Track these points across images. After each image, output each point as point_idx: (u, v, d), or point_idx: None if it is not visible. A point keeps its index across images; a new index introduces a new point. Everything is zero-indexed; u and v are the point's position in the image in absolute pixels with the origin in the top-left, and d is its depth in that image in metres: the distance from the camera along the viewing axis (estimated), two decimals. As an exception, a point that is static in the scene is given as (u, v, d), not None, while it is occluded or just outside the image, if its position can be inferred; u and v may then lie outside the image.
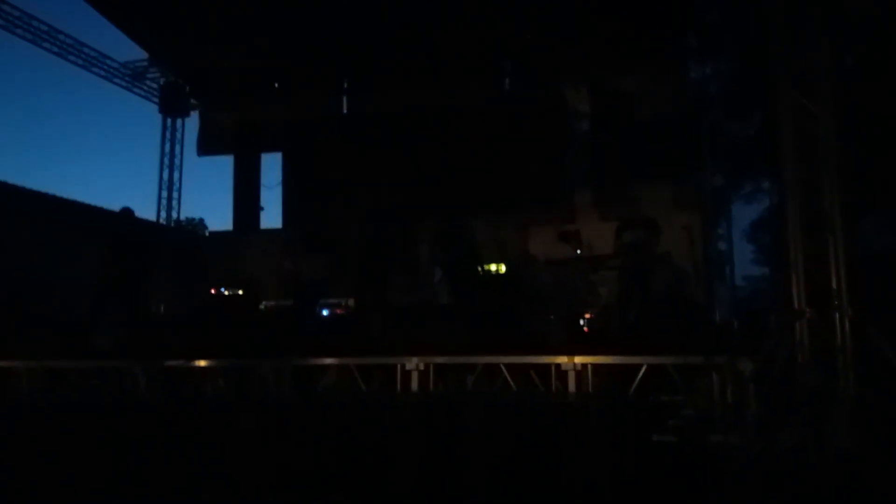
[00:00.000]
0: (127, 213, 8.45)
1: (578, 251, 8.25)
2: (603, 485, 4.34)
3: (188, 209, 29.64)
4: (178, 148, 14.32)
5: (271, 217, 13.79)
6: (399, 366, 5.81)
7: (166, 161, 14.24)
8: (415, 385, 5.72)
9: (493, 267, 7.72)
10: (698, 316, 8.21)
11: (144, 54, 13.43)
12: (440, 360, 5.82)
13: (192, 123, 14.02)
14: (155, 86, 14.08)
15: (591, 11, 10.03)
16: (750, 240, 16.00)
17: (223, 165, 13.44)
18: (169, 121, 14.29)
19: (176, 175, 14.29)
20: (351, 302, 8.41)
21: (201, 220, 21.58)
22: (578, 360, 5.42)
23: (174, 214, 14.22)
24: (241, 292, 8.72)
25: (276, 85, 12.78)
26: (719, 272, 10.42)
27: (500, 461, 4.55)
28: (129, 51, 13.76)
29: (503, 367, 5.67)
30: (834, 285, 4.64)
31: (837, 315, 4.60)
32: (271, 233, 12.65)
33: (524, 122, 11.28)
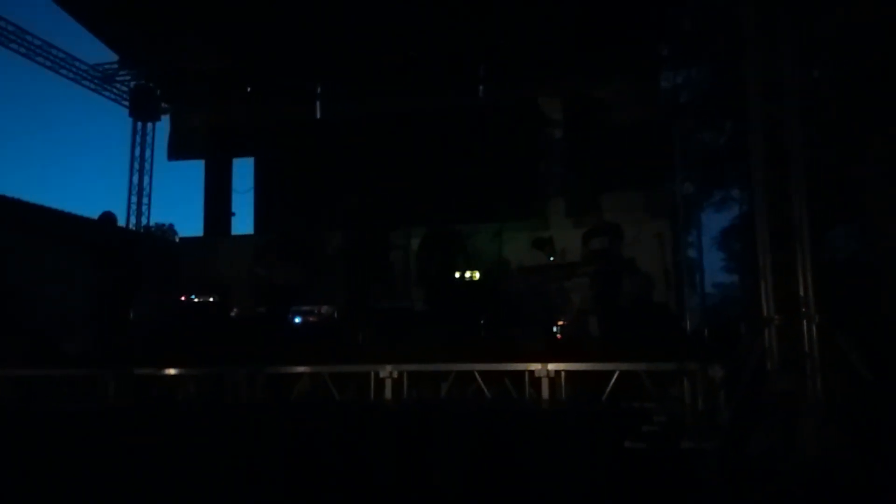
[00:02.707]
0: (109, 217, 8.30)
1: (551, 258, 8.31)
2: (575, 492, 4.36)
3: (158, 214, 29.35)
4: (148, 152, 14.15)
5: (243, 223, 13.69)
6: (373, 374, 5.80)
7: (136, 165, 14.07)
8: (388, 393, 5.71)
9: (466, 273, 7.74)
10: (668, 322, 8.30)
11: (115, 57, 13.26)
12: (413, 367, 5.82)
13: (164, 127, 13.88)
14: (125, 88, 13.90)
15: (565, 20, 10.11)
16: (720, 247, 16.24)
17: (194, 170, 13.31)
18: (139, 124, 14.13)
19: (146, 180, 14.12)
20: (324, 309, 8.36)
21: (171, 225, 21.34)
22: (552, 366, 5.45)
23: (144, 220, 14.04)
24: (211, 299, 8.62)
25: (249, 89, 12.70)
26: (690, 279, 10.54)
27: (472, 469, 4.55)
28: (99, 53, 13.61)
29: (477, 374, 5.68)
30: (802, 292, 4.71)
31: (805, 321, 4.67)
32: (243, 238, 12.54)
33: (497, 129, 11.33)
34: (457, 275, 7.75)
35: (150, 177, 14.14)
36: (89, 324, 7.75)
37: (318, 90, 12.96)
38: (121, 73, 13.58)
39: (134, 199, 13.97)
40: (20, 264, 9.34)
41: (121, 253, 7.91)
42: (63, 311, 8.53)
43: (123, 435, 5.35)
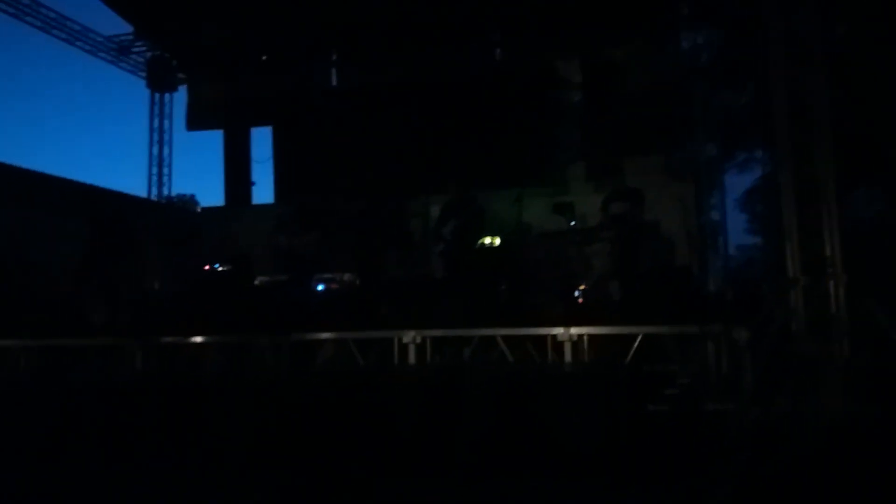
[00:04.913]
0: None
1: (572, 223, 8.26)
2: (598, 453, 4.39)
3: (179, 185, 29.50)
4: (167, 123, 14.18)
5: (263, 192, 13.74)
6: (396, 339, 5.84)
7: (156, 137, 14.11)
8: (412, 358, 5.75)
9: (487, 240, 7.72)
10: (691, 285, 8.26)
11: (130, 28, 13.22)
12: (437, 332, 5.85)
13: (182, 98, 13.88)
14: (142, 60, 13.88)
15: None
16: (743, 209, 16.10)
17: (214, 140, 13.34)
18: (157, 95, 14.13)
19: (166, 151, 14.17)
20: (346, 277, 8.39)
21: (193, 196, 21.50)
22: (574, 330, 5.45)
23: (165, 191, 14.12)
24: (235, 268, 8.68)
25: (264, 57, 12.65)
26: (713, 242, 10.48)
27: (497, 432, 4.60)
28: (115, 24, 13.56)
29: (499, 339, 5.70)
30: (828, 253, 4.68)
31: (832, 282, 4.64)
32: (264, 208, 12.59)
33: (516, 93, 11.22)
34: (477, 241, 7.74)
35: (170, 148, 14.20)
36: (87, 293, 7.76)
37: (334, 57, 12.88)
38: (137, 44, 13.55)
39: (155, 170, 14.03)
40: (42, 235, 9.45)
41: (107, 220, 7.86)
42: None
43: (152, 403, 5.45)
